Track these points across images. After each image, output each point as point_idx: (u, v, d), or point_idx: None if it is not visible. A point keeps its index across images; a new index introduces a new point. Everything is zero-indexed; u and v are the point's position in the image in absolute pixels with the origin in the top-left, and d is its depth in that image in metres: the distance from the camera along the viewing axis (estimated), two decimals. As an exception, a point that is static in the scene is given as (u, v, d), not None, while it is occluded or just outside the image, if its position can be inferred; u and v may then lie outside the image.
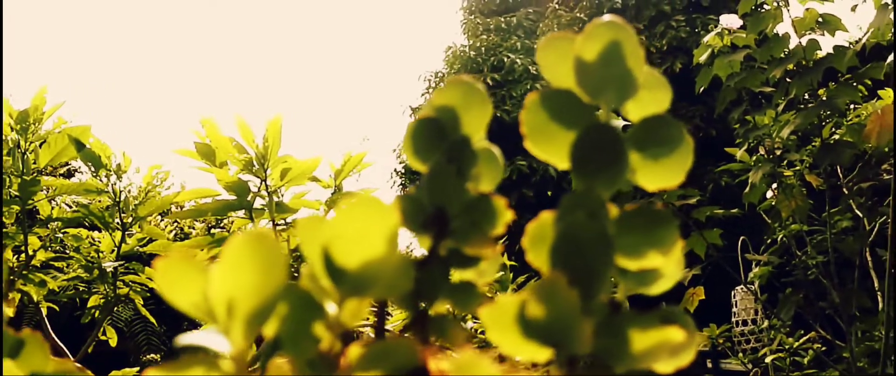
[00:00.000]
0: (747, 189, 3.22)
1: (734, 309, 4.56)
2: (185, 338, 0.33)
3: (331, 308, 0.36)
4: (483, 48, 13.20)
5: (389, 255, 0.35)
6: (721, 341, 3.97)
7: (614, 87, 0.43)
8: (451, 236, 0.43)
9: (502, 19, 13.76)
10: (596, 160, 0.41)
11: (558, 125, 0.43)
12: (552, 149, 0.43)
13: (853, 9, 3.02)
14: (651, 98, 0.45)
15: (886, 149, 2.89)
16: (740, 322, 4.43)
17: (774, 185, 3.22)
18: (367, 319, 0.43)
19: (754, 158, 3.28)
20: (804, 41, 2.85)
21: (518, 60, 12.83)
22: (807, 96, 2.93)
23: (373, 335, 0.42)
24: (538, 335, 0.36)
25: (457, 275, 0.45)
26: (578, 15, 12.99)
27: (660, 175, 0.44)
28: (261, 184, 1.75)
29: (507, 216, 0.43)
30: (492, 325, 0.38)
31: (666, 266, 0.44)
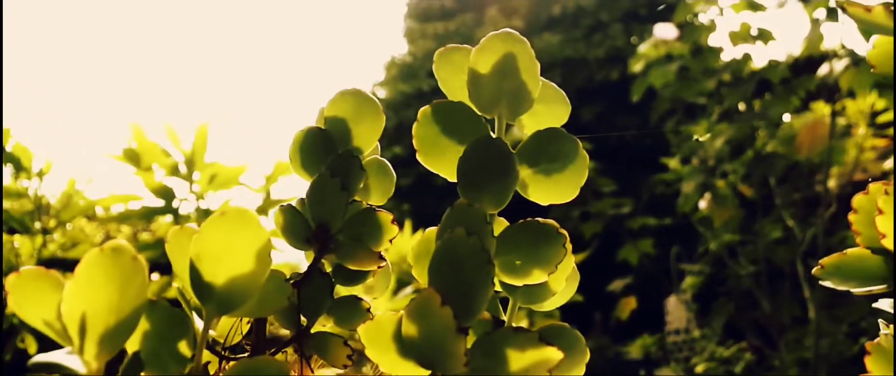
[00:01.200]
0: (680, 198, 3.25)
1: (667, 318, 4.59)
2: (40, 357, 0.31)
3: (201, 324, 0.35)
4: (419, 54, 13.06)
5: (260, 271, 0.34)
6: (654, 350, 4.00)
7: (508, 100, 0.42)
8: (334, 251, 0.42)
9: (440, 25, 13.64)
10: (482, 175, 0.40)
11: (449, 139, 0.42)
12: (443, 163, 0.42)
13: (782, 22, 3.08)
14: (548, 112, 0.45)
15: (817, 161, 2.94)
16: (673, 331, 4.46)
17: (708, 195, 3.25)
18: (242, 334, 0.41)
19: (688, 168, 3.31)
20: (739, 53, 2.89)
21: (454, 67, 12.59)
22: (742, 107, 2.97)
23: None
24: (413, 354, 0.35)
25: (344, 291, 0.44)
26: (516, 23, 12.94)
27: (552, 191, 0.43)
28: (189, 187, 1.73)
29: (392, 231, 0.42)
30: (370, 343, 0.37)
31: (555, 282, 0.44)
